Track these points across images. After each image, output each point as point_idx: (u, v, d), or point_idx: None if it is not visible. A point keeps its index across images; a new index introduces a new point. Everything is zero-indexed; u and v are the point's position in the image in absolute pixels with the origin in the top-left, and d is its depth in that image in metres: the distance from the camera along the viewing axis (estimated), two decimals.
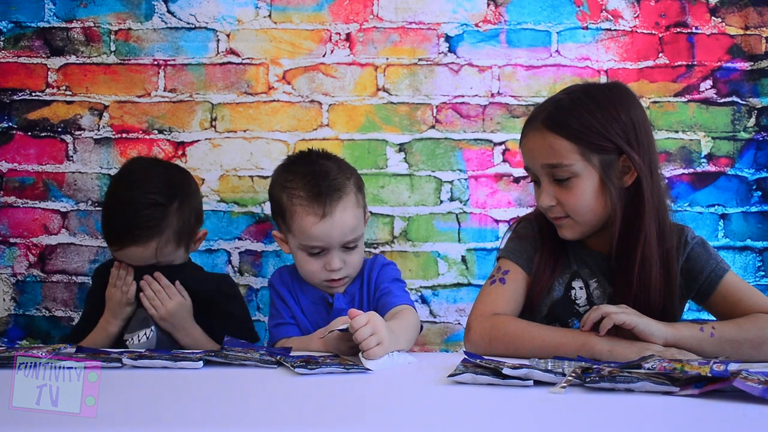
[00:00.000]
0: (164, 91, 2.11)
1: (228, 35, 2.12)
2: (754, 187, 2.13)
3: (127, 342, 1.72)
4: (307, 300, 1.73)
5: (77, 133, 2.11)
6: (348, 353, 1.38)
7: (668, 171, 2.11)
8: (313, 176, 1.66)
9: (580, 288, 1.54)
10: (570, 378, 1.11)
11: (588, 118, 1.43)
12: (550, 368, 1.18)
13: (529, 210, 2.09)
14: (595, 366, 1.18)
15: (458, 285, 2.12)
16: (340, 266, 1.66)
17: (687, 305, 1.58)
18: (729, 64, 2.14)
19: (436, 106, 2.13)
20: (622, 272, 1.46)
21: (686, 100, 2.13)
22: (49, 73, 2.11)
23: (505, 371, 1.13)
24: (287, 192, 1.67)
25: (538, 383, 1.12)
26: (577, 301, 1.54)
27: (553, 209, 1.48)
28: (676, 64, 2.14)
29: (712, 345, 1.34)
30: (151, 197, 1.69)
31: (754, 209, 2.13)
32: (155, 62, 2.11)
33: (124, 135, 2.11)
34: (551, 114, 1.47)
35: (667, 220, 1.48)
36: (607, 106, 1.45)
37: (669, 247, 1.46)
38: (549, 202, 1.47)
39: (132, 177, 1.76)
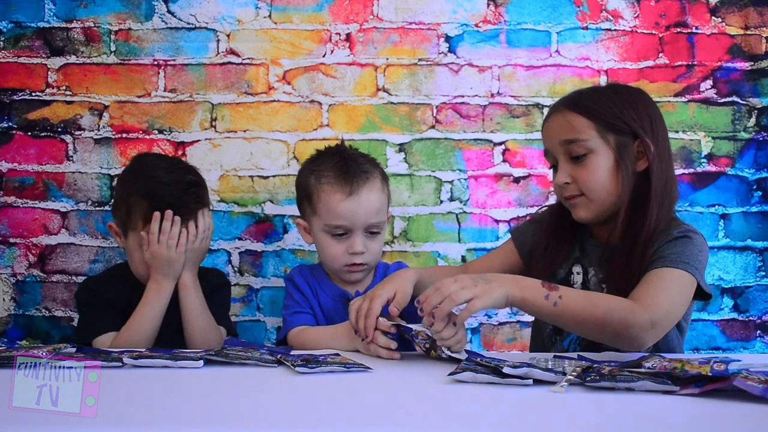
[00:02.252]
0: (164, 91, 2.11)
1: (228, 35, 2.12)
2: (755, 187, 2.13)
3: None
4: (326, 296, 1.72)
5: (77, 133, 2.11)
6: (361, 347, 1.41)
7: None
8: (342, 159, 1.70)
9: (578, 273, 1.57)
10: (570, 377, 1.11)
11: (606, 101, 1.50)
12: (550, 367, 1.18)
13: (529, 210, 2.10)
14: (594, 365, 1.18)
15: None
16: (363, 250, 1.67)
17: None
18: (729, 64, 2.14)
19: (436, 106, 2.13)
20: (621, 260, 1.46)
21: (686, 100, 2.13)
22: (49, 73, 2.11)
23: (506, 370, 1.13)
24: (315, 174, 1.70)
25: (538, 382, 1.12)
26: (573, 286, 1.56)
27: (568, 188, 1.50)
28: (676, 64, 2.14)
29: (554, 315, 1.30)
30: (190, 177, 1.77)
31: (754, 209, 2.13)
32: (155, 62, 2.11)
33: (124, 135, 2.11)
34: (572, 98, 1.54)
35: (670, 215, 1.49)
36: (626, 97, 1.51)
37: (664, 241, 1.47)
38: (564, 179, 1.49)
39: (159, 164, 1.80)
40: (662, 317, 1.32)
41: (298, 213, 1.77)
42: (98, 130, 2.11)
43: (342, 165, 1.68)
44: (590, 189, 1.48)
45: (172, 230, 1.70)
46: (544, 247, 1.60)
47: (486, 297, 1.26)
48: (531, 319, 2.08)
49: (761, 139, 2.13)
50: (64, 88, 2.11)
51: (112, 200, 2.03)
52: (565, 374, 1.13)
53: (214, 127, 2.12)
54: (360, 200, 1.65)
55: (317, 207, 1.68)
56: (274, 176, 2.11)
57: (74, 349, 1.34)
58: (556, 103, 1.57)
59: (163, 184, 1.73)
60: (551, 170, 1.59)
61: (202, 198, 1.78)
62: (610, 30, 2.14)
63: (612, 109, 1.48)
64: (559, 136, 1.51)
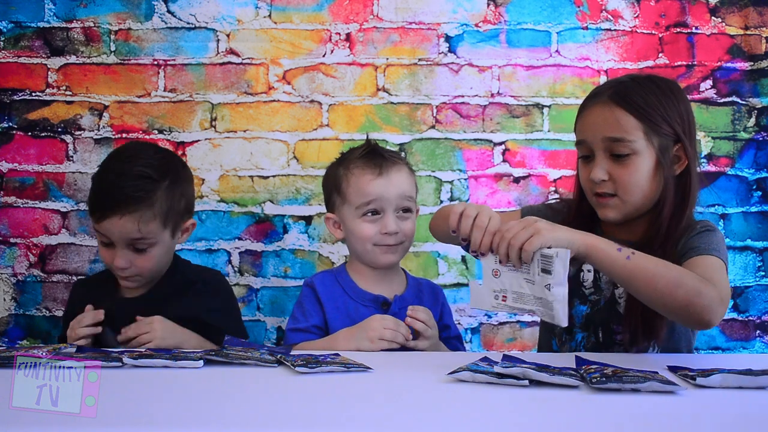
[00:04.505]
0: (164, 91, 2.11)
1: (228, 35, 2.12)
2: (754, 187, 2.13)
3: None
4: (357, 304, 1.66)
5: (77, 133, 2.11)
6: (370, 348, 1.44)
7: None
8: (369, 147, 1.71)
9: (588, 272, 1.54)
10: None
11: (653, 99, 1.45)
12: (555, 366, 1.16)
13: None
14: (594, 366, 1.18)
15: (458, 285, 2.12)
16: (396, 229, 1.64)
17: None
18: (729, 64, 2.14)
19: (436, 106, 2.13)
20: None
21: None
22: (49, 73, 2.11)
23: (497, 369, 1.12)
24: (344, 164, 1.69)
25: (539, 384, 1.12)
26: (584, 284, 1.54)
27: (603, 185, 1.47)
28: (676, 64, 2.14)
29: (625, 269, 1.27)
30: (142, 170, 1.62)
31: (754, 209, 2.13)
32: (155, 62, 2.12)
33: (124, 135, 2.11)
34: (619, 90, 1.48)
35: (692, 215, 1.50)
36: (669, 94, 1.48)
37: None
38: (602, 176, 1.45)
39: (125, 153, 1.72)
40: (726, 296, 1.32)
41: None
42: (98, 130, 2.11)
43: (370, 151, 1.69)
44: (627, 191, 1.45)
45: (79, 329, 1.58)
46: None
47: (547, 234, 1.23)
48: (530, 319, 2.08)
49: (761, 139, 2.13)
50: (64, 88, 2.11)
51: None
52: (564, 375, 1.13)
53: (214, 127, 2.12)
54: (390, 179, 1.64)
55: (347, 193, 1.65)
56: (274, 176, 2.11)
57: (74, 349, 1.34)
58: (599, 93, 1.50)
59: (106, 174, 1.65)
60: (580, 160, 1.53)
61: (145, 196, 1.60)
62: (610, 30, 2.14)
63: (660, 109, 1.45)
64: (603, 131, 1.46)
